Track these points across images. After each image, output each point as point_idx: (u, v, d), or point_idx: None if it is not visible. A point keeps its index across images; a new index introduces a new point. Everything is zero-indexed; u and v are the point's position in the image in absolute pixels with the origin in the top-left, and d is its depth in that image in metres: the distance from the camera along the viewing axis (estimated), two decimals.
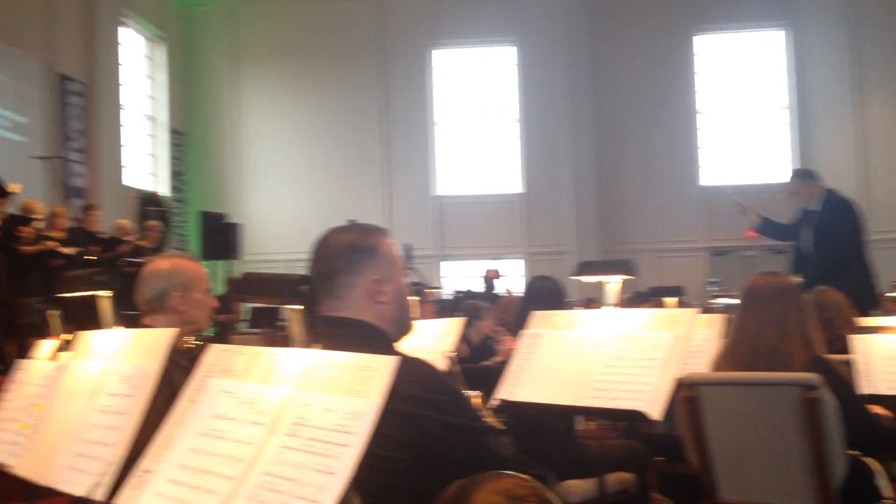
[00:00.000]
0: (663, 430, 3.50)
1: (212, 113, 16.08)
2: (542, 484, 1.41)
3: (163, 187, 15.03)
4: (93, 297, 2.29)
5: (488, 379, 2.56)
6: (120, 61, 13.52)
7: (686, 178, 15.51)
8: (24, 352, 2.89)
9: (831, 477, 2.36)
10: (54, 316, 2.81)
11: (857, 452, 2.53)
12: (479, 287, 12.61)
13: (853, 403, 2.53)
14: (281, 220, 15.42)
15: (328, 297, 1.72)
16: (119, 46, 13.50)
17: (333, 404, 1.13)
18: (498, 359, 4.21)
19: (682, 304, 3.88)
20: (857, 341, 3.10)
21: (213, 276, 13.42)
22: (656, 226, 15.28)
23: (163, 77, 15.39)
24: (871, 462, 2.66)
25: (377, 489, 1.49)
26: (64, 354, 2.33)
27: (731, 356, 2.71)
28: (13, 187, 5.98)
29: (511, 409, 2.52)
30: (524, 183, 15.85)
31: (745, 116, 15.82)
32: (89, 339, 1.96)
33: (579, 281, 2.93)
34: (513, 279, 13.92)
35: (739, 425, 2.51)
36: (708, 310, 5.51)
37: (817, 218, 5.98)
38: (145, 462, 1.29)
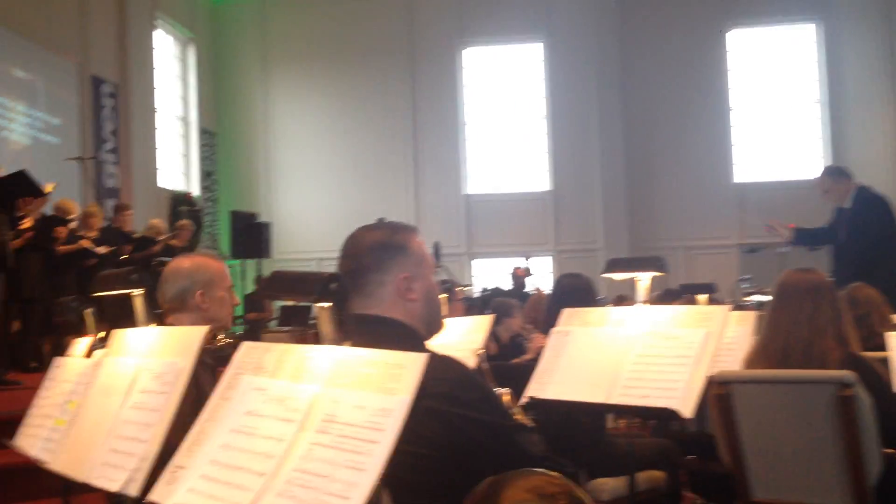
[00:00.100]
0: (695, 428, 3.48)
1: (242, 113, 16.21)
2: (572, 481, 1.41)
3: (194, 187, 15.19)
4: (126, 295, 2.31)
5: (518, 376, 2.56)
6: (152, 63, 13.68)
7: (718, 174, 15.35)
8: (59, 349, 2.93)
9: (866, 475, 2.33)
10: (89, 314, 2.85)
11: (892, 451, 2.49)
12: (508, 285, 12.59)
13: (889, 401, 2.49)
14: (311, 218, 15.51)
15: (358, 295, 1.73)
16: (151, 48, 13.66)
17: (363, 401, 1.13)
18: (527, 356, 4.20)
19: (713, 302, 3.84)
20: (893, 338, 3.05)
21: (243, 275, 13.55)
22: (687, 222, 15.15)
23: (193, 78, 15.55)
24: None
25: (407, 486, 1.50)
26: (98, 352, 2.37)
27: (763, 354, 2.68)
28: (47, 187, 6.07)
29: (541, 407, 2.51)
30: (552, 180, 15.80)
31: (777, 112, 15.63)
32: (123, 337, 1.99)
33: (609, 278, 2.91)
34: (541, 277, 13.88)
35: (772, 423, 2.48)
36: (740, 307, 5.46)
37: (850, 215, 5.91)
38: (178, 458, 1.31)
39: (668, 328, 2.37)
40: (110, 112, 12.33)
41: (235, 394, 1.33)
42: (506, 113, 16.14)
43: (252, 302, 12.14)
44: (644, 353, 2.36)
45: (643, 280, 2.60)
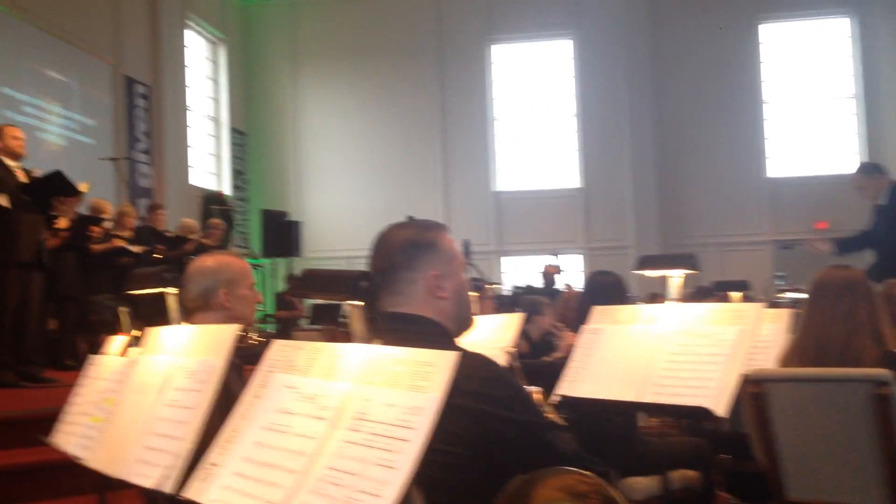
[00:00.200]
0: (729, 427, 3.44)
1: (272, 112, 16.32)
2: (604, 480, 1.40)
3: (225, 186, 15.33)
4: (160, 294, 2.34)
5: (549, 375, 2.55)
6: (184, 63, 13.83)
7: (751, 169, 15.18)
8: (95, 348, 2.97)
9: None
10: (124, 312, 2.88)
11: None
12: (539, 283, 12.55)
13: None
14: (341, 217, 15.58)
15: (388, 292, 1.73)
16: (183, 49, 13.81)
17: (394, 399, 1.13)
18: (558, 354, 4.19)
19: (747, 299, 3.80)
20: None
21: (274, 274, 13.66)
22: (719, 219, 15.00)
23: (224, 78, 15.70)
24: None
25: (438, 484, 1.50)
26: (133, 350, 2.39)
27: (798, 352, 2.65)
28: (82, 187, 6.16)
29: (572, 405, 2.50)
30: (583, 177, 15.72)
31: (810, 106, 15.42)
32: (157, 335, 2.01)
33: (641, 275, 2.89)
34: (572, 274, 13.81)
35: (808, 422, 2.45)
36: (774, 304, 5.39)
37: (886, 211, 5.85)
38: (212, 455, 1.32)
39: (700, 326, 2.35)
40: (143, 112, 12.49)
41: (267, 392, 1.34)
42: (535, 110, 16.09)
43: (283, 300, 12.23)
44: (676, 351, 2.33)
45: (675, 277, 2.57)
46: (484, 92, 16.00)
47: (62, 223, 6.50)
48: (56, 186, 5.84)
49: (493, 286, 10.65)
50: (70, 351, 7.23)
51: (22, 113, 9.78)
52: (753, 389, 2.46)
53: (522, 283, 12.50)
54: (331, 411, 1.20)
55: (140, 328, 2.27)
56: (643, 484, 3.13)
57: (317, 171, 16.13)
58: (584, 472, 1.41)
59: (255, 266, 13.30)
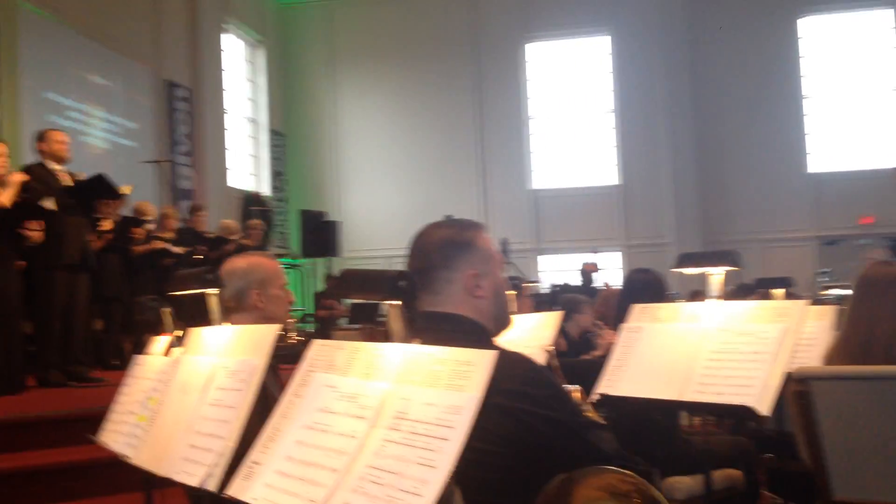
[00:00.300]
0: (773, 426, 3.39)
1: (310, 113, 16.45)
2: (645, 479, 1.39)
3: (264, 187, 15.48)
4: (202, 294, 2.36)
5: (588, 373, 2.53)
6: (223, 66, 14.00)
7: (793, 165, 14.94)
8: (140, 348, 3.02)
9: None
10: (167, 313, 2.92)
11: None
12: (577, 280, 12.48)
13: None
14: (378, 216, 15.65)
15: (426, 292, 1.73)
16: (222, 52, 13.98)
17: (433, 398, 1.14)
18: (597, 353, 4.16)
19: (790, 296, 3.73)
20: None
21: (313, 274, 13.76)
22: (761, 215, 14.78)
23: (262, 80, 15.85)
24: None
25: (478, 483, 1.50)
26: (176, 350, 2.43)
27: (843, 349, 2.60)
28: (124, 189, 6.27)
29: (612, 404, 2.48)
30: (621, 174, 15.60)
31: (852, 100, 15.12)
32: (199, 335, 2.03)
33: (681, 273, 2.86)
34: (611, 272, 13.72)
35: (854, 421, 2.40)
36: (818, 301, 5.30)
37: None
38: (254, 454, 1.33)
39: (743, 324, 2.31)
40: (184, 115, 12.66)
41: (308, 391, 1.35)
42: (571, 107, 16.01)
43: (321, 299, 12.32)
44: (718, 349, 2.30)
45: (716, 275, 2.54)
46: (520, 90, 15.95)
47: (106, 225, 6.62)
48: (99, 189, 5.95)
49: (531, 284, 10.62)
50: (115, 351, 7.36)
51: (66, 117, 9.98)
52: (798, 388, 2.42)
53: (560, 282, 12.45)
54: (371, 410, 1.21)
55: (182, 328, 2.30)
56: (685, 483, 3.10)
57: (354, 170, 16.22)
58: (626, 471, 1.40)
59: (293, 266, 13.43)
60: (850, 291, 2.72)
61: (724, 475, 3.19)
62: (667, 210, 15.03)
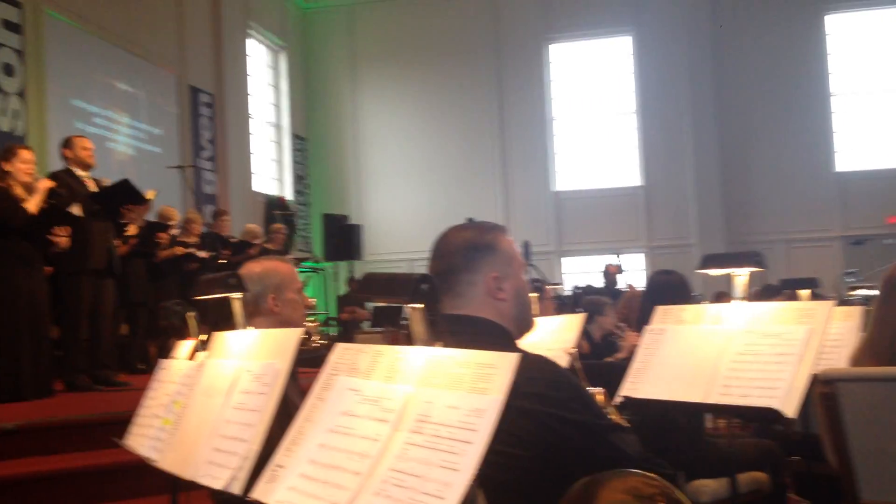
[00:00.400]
0: (799, 428, 3.35)
1: (331, 117, 16.52)
2: (670, 482, 1.38)
3: (287, 191, 15.57)
4: (226, 298, 2.38)
5: (611, 375, 2.52)
6: (245, 72, 14.10)
7: (819, 164, 14.78)
8: (165, 352, 3.04)
9: None
10: (192, 317, 2.94)
11: None
12: (600, 282, 12.43)
13: None
14: (400, 219, 15.68)
15: (449, 295, 1.73)
16: (244, 58, 14.09)
17: (456, 401, 1.14)
18: (621, 355, 4.15)
19: (816, 297, 3.69)
20: None
21: (336, 277, 13.80)
22: (786, 215, 14.64)
23: (285, 85, 15.95)
24: None
25: (501, 486, 1.49)
26: (201, 354, 2.44)
27: (871, 350, 2.57)
28: (148, 194, 6.33)
29: (636, 407, 2.47)
30: (643, 175, 15.52)
31: (879, 98, 14.93)
32: (223, 339, 2.05)
33: (705, 274, 2.84)
34: (634, 274, 13.65)
35: (881, 422, 2.37)
36: (845, 302, 5.24)
37: None
38: (278, 457, 1.34)
39: (768, 325, 2.29)
40: (207, 121, 12.77)
41: (331, 394, 1.36)
42: (593, 108, 15.95)
43: (345, 303, 12.36)
44: (743, 351, 2.28)
45: (741, 276, 2.52)
46: (542, 92, 15.92)
47: (131, 230, 6.68)
48: (124, 195, 6.00)
49: (554, 287, 10.59)
50: (141, 355, 7.43)
51: (92, 124, 10.09)
52: (824, 390, 2.40)
53: (583, 284, 12.41)
54: (393, 413, 1.21)
55: (207, 332, 2.32)
56: (711, 487, 3.08)
57: (376, 174, 16.27)
58: (650, 474, 1.40)
59: (316, 270, 13.47)
60: (876, 292, 2.69)
61: (750, 478, 3.16)
62: (690, 211, 14.93)
